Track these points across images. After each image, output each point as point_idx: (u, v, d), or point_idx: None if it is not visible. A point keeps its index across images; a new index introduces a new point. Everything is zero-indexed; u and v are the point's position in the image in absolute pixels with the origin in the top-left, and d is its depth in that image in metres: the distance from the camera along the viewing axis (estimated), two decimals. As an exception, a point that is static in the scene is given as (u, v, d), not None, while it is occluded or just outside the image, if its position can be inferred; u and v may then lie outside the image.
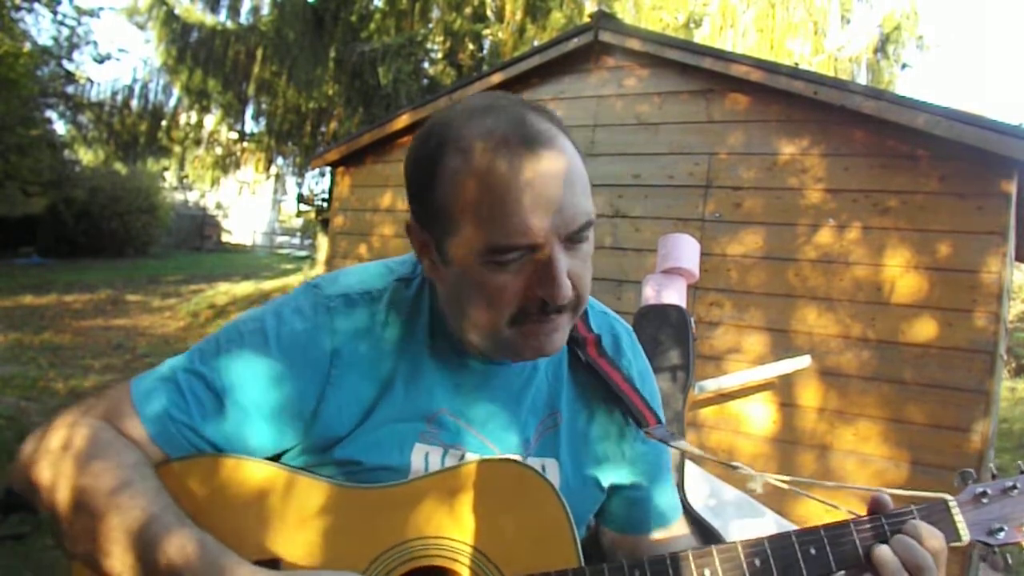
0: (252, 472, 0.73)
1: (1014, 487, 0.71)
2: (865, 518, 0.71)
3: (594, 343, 0.87)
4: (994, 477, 0.73)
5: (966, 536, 0.70)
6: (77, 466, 0.69)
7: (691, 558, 0.70)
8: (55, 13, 12.02)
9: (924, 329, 3.32)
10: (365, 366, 0.76)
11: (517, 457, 0.79)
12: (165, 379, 0.75)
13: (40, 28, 21.83)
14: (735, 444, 3.74)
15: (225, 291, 11.30)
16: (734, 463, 0.85)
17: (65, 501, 0.68)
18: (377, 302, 0.79)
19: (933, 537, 0.68)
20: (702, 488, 2.59)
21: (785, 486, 0.80)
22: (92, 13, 12.92)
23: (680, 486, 2.11)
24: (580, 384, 0.86)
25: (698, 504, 2.36)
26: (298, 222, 20.44)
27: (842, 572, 0.71)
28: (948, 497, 0.72)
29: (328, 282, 0.81)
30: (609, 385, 0.84)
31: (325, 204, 12.60)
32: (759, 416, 3.69)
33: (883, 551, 0.68)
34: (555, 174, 0.66)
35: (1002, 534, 0.70)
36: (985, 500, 0.71)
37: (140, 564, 0.65)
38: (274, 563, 0.70)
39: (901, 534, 0.69)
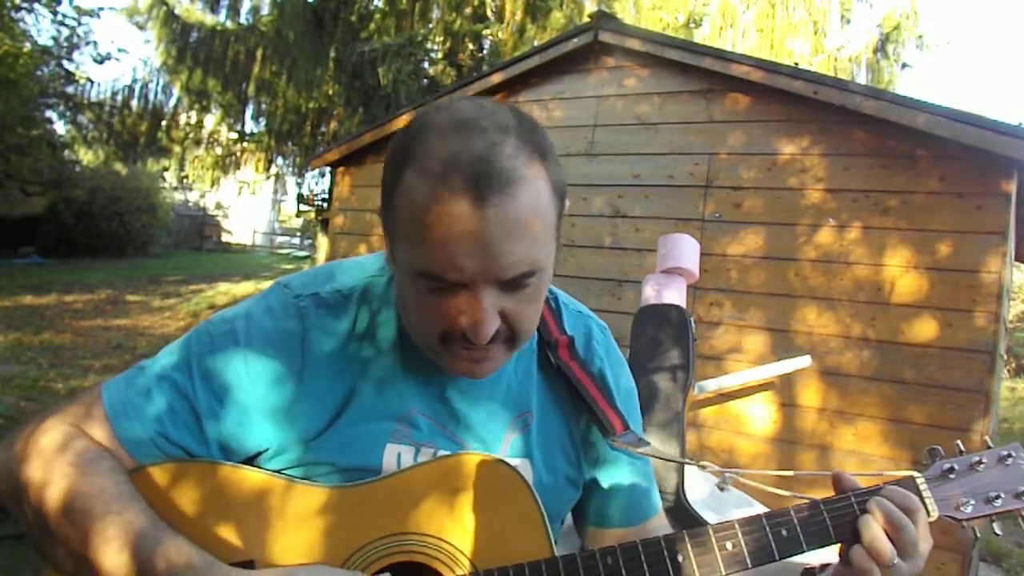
0: (224, 476, 0.73)
1: (980, 461, 0.72)
2: (834, 497, 0.72)
3: (566, 345, 0.85)
4: (961, 453, 0.74)
5: (935, 512, 0.71)
6: (69, 469, 0.68)
7: (663, 544, 0.71)
8: (55, 13, 12.02)
9: (924, 329, 3.32)
10: (336, 366, 0.76)
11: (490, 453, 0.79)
12: (138, 387, 0.74)
13: (40, 28, 21.84)
14: (735, 444, 3.74)
15: (225, 291, 11.30)
16: (702, 463, 0.86)
17: (56, 503, 0.67)
18: (348, 300, 0.78)
19: (904, 498, 0.70)
20: (702, 488, 2.60)
21: (752, 482, 0.80)
22: (92, 13, 12.92)
23: (680, 486, 2.11)
24: (552, 385, 0.85)
25: (698, 504, 2.36)
26: (298, 222, 20.47)
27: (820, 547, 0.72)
28: (916, 474, 0.73)
29: (298, 281, 0.80)
30: (578, 391, 0.83)
31: (325, 204, 12.61)
32: (759, 416, 3.69)
33: (867, 519, 0.69)
34: (499, 221, 0.62)
35: (969, 508, 0.71)
36: (952, 476, 0.72)
37: (134, 568, 0.65)
38: (248, 565, 0.69)
39: (879, 497, 0.70)
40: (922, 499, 0.72)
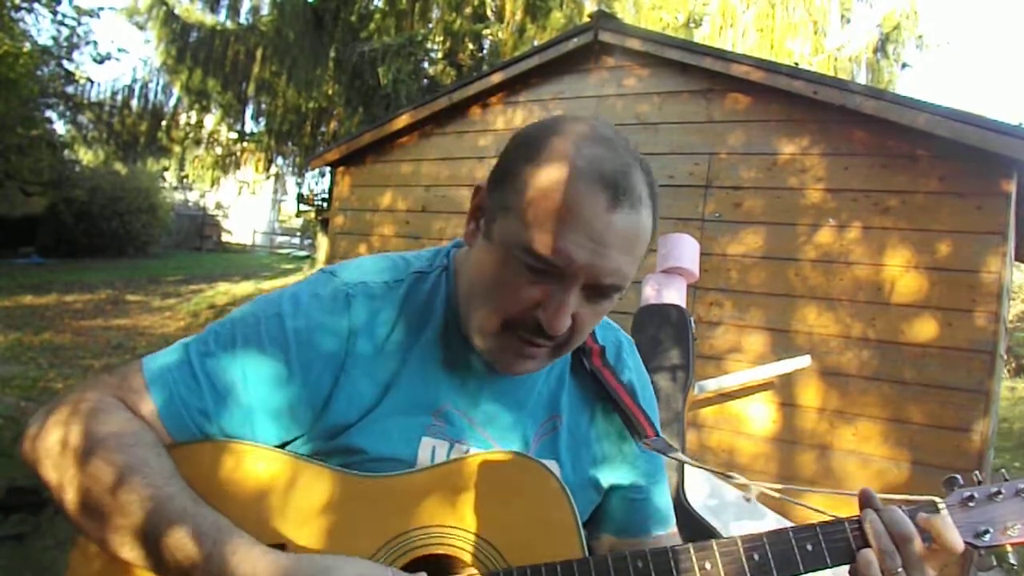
0: (260, 459, 0.74)
1: (999, 492, 0.75)
2: (857, 516, 0.75)
3: (599, 353, 0.88)
4: (979, 483, 0.77)
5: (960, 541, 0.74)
6: (82, 456, 0.69)
7: (692, 551, 0.72)
8: (55, 13, 12.03)
9: (924, 329, 3.32)
10: (377, 357, 0.77)
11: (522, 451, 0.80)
12: (179, 362, 0.75)
13: (40, 28, 21.83)
14: (735, 444, 3.74)
15: (225, 291, 11.30)
16: (730, 473, 0.86)
17: (73, 504, 0.69)
18: (394, 293, 0.80)
19: (910, 523, 0.72)
20: (702, 488, 2.60)
21: (779, 495, 0.82)
22: (92, 13, 12.93)
23: (680, 486, 2.11)
24: (582, 389, 0.88)
25: (698, 504, 2.36)
26: (298, 222, 20.47)
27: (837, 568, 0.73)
28: (938, 500, 0.76)
29: (346, 270, 0.81)
30: (611, 394, 0.86)
31: (325, 204, 12.62)
32: (759, 416, 3.69)
33: (876, 522, 0.72)
34: (618, 230, 0.68)
35: (988, 536, 0.74)
36: (972, 504, 0.75)
37: (153, 548, 0.66)
38: (280, 549, 0.70)
39: (892, 507, 0.73)
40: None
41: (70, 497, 0.69)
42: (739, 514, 2.54)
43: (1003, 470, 0.79)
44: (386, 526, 0.73)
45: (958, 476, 0.77)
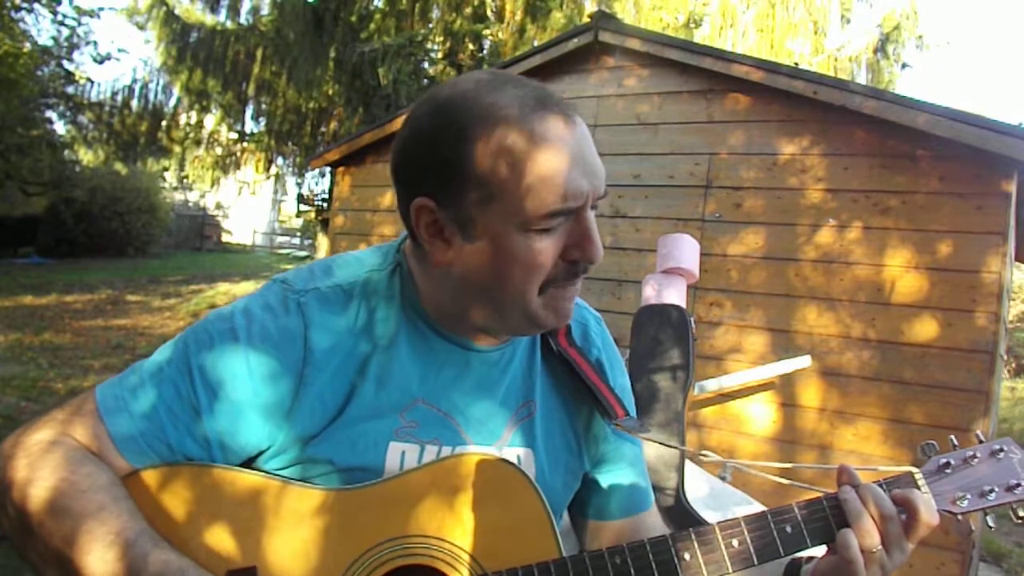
0: (221, 479, 0.71)
1: (974, 456, 0.74)
2: (835, 493, 0.73)
3: (564, 333, 0.86)
4: (955, 447, 0.75)
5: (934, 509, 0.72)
6: (57, 468, 0.67)
7: (670, 542, 0.71)
8: (55, 13, 12.03)
9: (924, 329, 3.32)
10: (337, 362, 0.74)
11: (495, 452, 0.78)
12: (134, 387, 0.72)
13: (40, 28, 21.88)
14: (735, 444, 3.74)
15: (225, 291, 11.30)
16: (703, 452, 0.86)
17: (40, 500, 0.66)
18: (349, 295, 0.77)
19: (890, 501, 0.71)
20: (701, 486, 2.60)
21: (753, 472, 0.81)
22: (92, 13, 12.93)
23: (680, 486, 2.11)
24: (553, 373, 0.86)
25: (697, 503, 2.36)
26: (298, 222, 20.48)
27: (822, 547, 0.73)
28: (914, 469, 0.74)
29: (297, 276, 0.79)
30: (579, 375, 0.84)
31: (325, 204, 12.62)
32: (759, 416, 3.69)
33: (856, 503, 0.71)
34: (583, 139, 0.69)
35: (965, 503, 0.72)
36: (948, 471, 0.74)
37: (122, 571, 0.64)
38: (250, 571, 0.69)
39: (872, 484, 0.72)
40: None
41: (40, 492, 0.66)
42: (736, 511, 2.54)
43: (978, 432, 0.78)
44: (360, 539, 0.71)
45: (934, 443, 0.76)
